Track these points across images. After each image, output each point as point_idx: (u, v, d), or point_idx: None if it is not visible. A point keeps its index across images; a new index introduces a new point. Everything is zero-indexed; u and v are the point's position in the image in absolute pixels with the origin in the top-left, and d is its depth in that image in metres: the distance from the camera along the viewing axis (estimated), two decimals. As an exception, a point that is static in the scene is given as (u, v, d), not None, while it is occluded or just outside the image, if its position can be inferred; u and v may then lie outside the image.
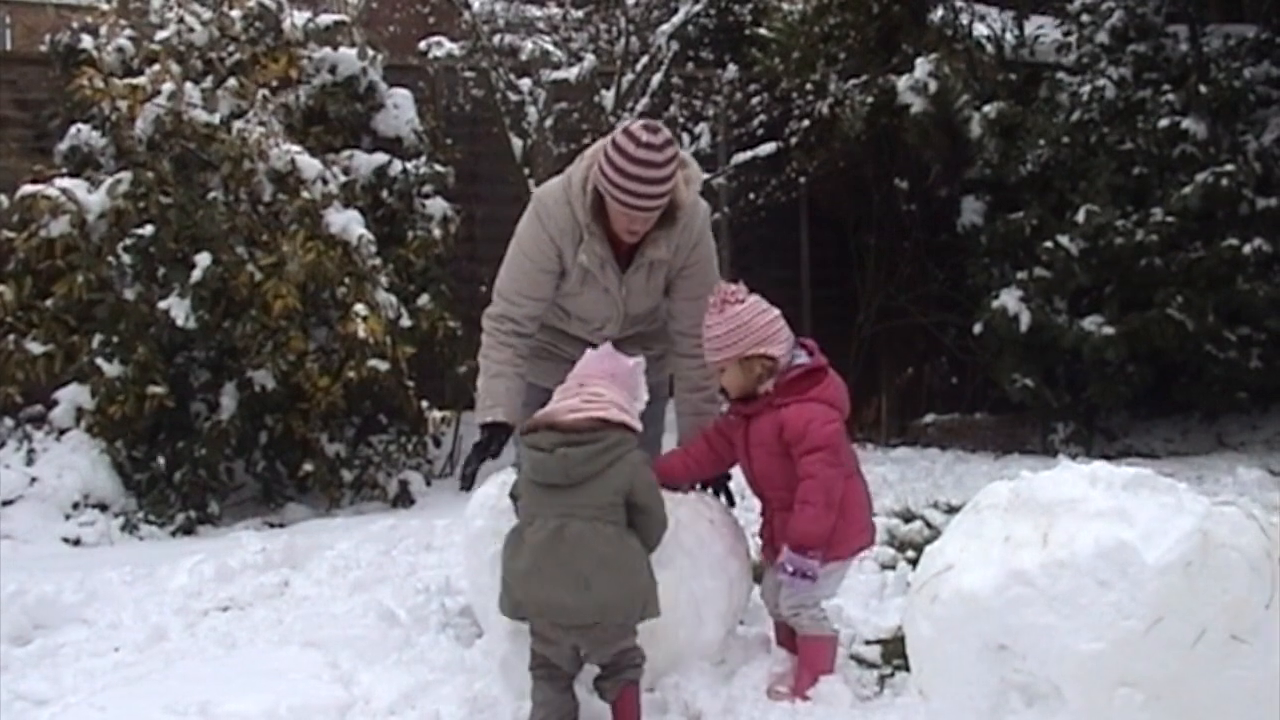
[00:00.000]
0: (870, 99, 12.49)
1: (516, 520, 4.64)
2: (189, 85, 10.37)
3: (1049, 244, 11.33)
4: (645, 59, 12.57)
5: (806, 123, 13.12)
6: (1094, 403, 11.91)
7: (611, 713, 4.44)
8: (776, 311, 5.05)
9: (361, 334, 9.76)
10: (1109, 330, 11.07)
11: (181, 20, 10.84)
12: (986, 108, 12.02)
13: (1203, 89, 11.28)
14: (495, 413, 5.42)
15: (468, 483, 5.44)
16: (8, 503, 9.36)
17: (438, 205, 11.41)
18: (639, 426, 4.65)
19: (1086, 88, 11.71)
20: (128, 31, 11.07)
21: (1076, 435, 11.83)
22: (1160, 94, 11.45)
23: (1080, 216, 11.18)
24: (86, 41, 10.98)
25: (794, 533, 4.75)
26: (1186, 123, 11.16)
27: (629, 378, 4.74)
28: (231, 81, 10.69)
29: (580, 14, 13.61)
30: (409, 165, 11.32)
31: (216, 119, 10.31)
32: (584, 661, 4.47)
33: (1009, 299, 11.48)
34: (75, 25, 11.41)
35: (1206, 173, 10.92)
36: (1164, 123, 11.22)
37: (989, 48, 13.00)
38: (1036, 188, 11.89)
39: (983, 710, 3.47)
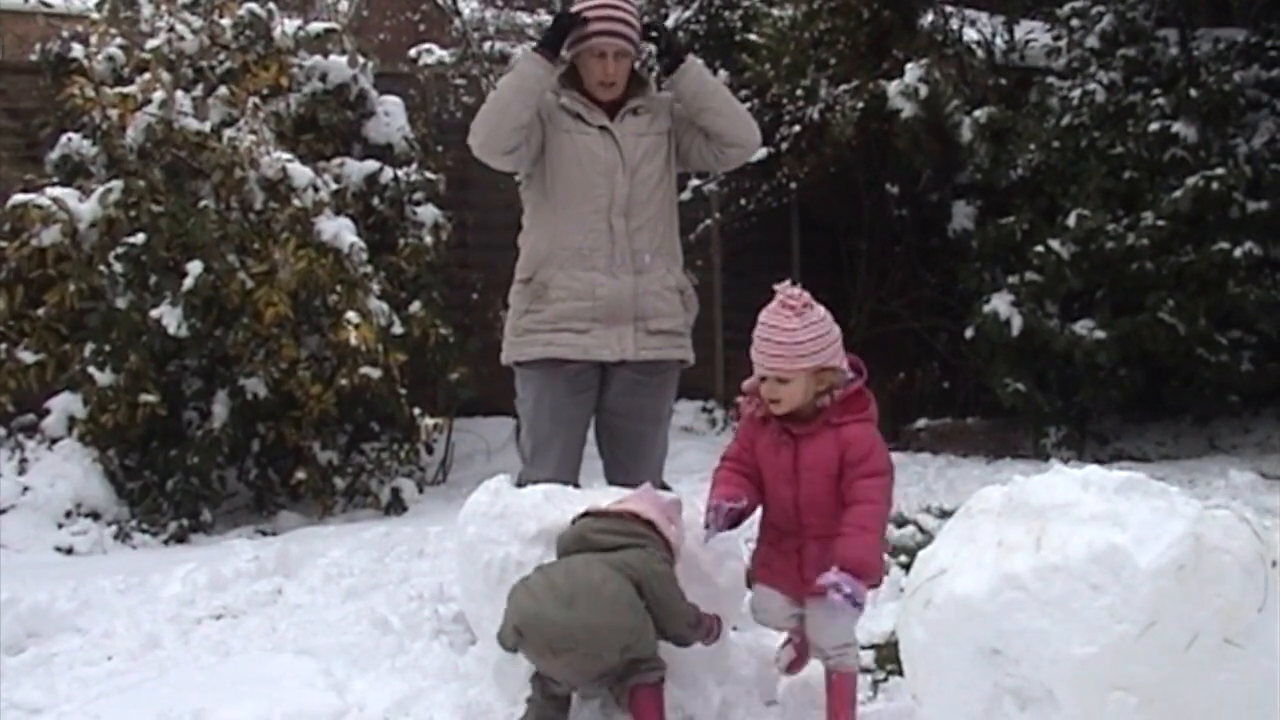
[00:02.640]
0: (861, 104, 12.51)
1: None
2: (180, 93, 10.38)
3: (1040, 248, 11.35)
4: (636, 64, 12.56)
5: (797, 128, 13.12)
6: (1086, 407, 11.93)
7: (631, 713, 4.42)
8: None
9: (353, 341, 9.76)
10: (1100, 334, 11.10)
11: (172, 29, 10.83)
12: (977, 112, 12.04)
13: (1193, 93, 11.31)
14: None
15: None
16: (0, 512, 9.35)
17: (429, 212, 11.41)
18: (673, 540, 4.63)
19: (1077, 92, 11.74)
20: (118, 40, 11.07)
21: (1068, 439, 11.83)
22: (1150, 98, 11.49)
23: (1071, 221, 11.21)
24: (77, 50, 10.99)
25: (853, 558, 4.29)
26: (1177, 126, 11.19)
27: (670, 507, 4.77)
28: (222, 89, 10.70)
29: (570, 21, 13.60)
30: (400, 173, 11.34)
31: (207, 127, 10.33)
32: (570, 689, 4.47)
33: (1000, 303, 11.49)
34: (66, 34, 11.40)
35: (1197, 176, 10.95)
36: (1154, 127, 11.26)
37: (979, 52, 13.05)
38: (1027, 192, 11.92)
39: (976, 714, 3.47)
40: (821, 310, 4.51)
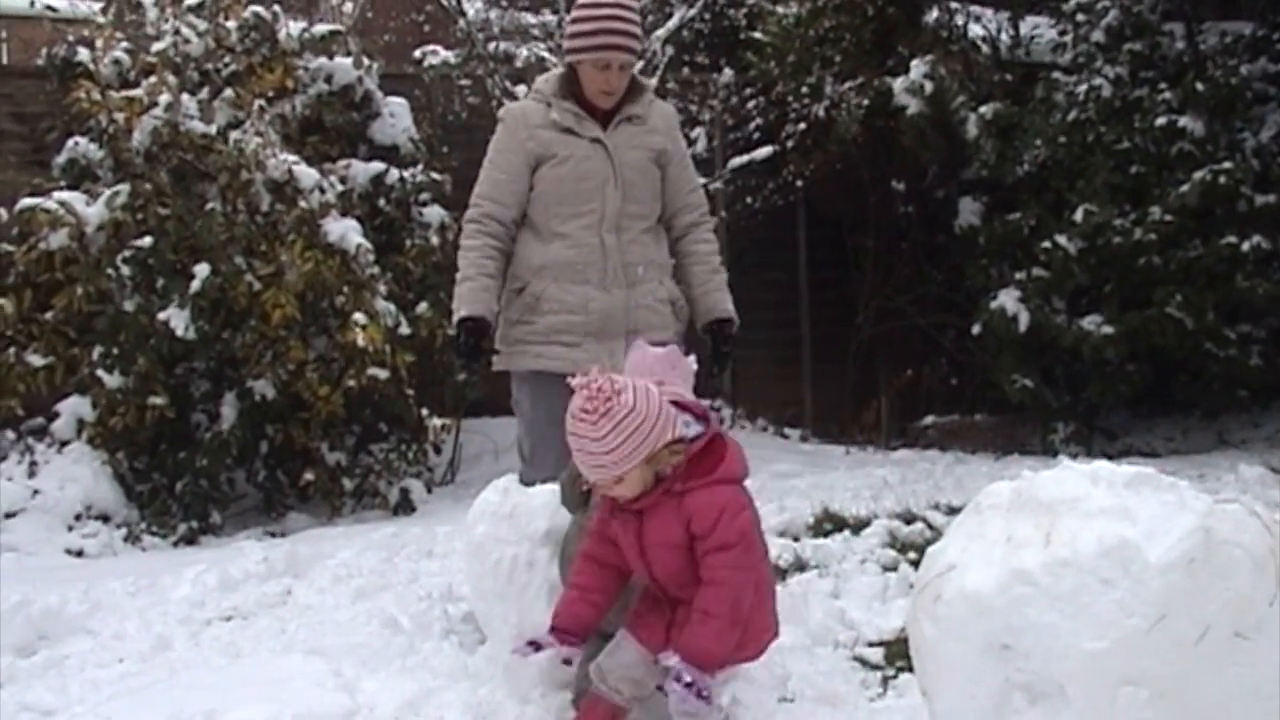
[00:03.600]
0: (866, 101, 12.52)
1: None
2: (185, 96, 10.39)
3: (1047, 244, 11.35)
4: (640, 64, 12.55)
5: (802, 126, 13.14)
6: (1094, 402, 11.92)
7: None
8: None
9: (361, 342, 9.77)
10: (1108, 329, 11.09)
11: (177, 32, 10.85)
12: (983, 108, 12.05)
13: (1200, 86, 11.29)
14: (460, 311, 5.58)
15: (470, 370, 5.66)
16: (10, 515, 9.37)
17: (435, 213, 11.41)
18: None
19: (1083, 87, 11.73)
20: (124, 44, 11.10)
21: (1077, 435, 11.83)
22: (1157, 92, 11.47)
23: (1078, 216, 11.20)
24: (83, 54, 11.00)
25: (693, 648, 3.97)
26: (1184, 120, 11.17)
27: (680, 361, 4.64)
28: (228, 92, 10.72)
29: (575, 20, 13.60)
30: (406, 173, 11.33)
31: (213, 130, 10.34)
32: None
33: (1007, 299, 11.49)
34: (71, 38, 11.44)
35: (1204, 170, 10.94)
36: (1161, 121, 11.24)
37: (984, 48, 13.05)
38: (1034, 188, 11.92)
39: (986, 710, 3.47)
40: (629, 396, 3.94)
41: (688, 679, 3.89)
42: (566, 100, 5.69)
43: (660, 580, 4.18)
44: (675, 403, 4.12)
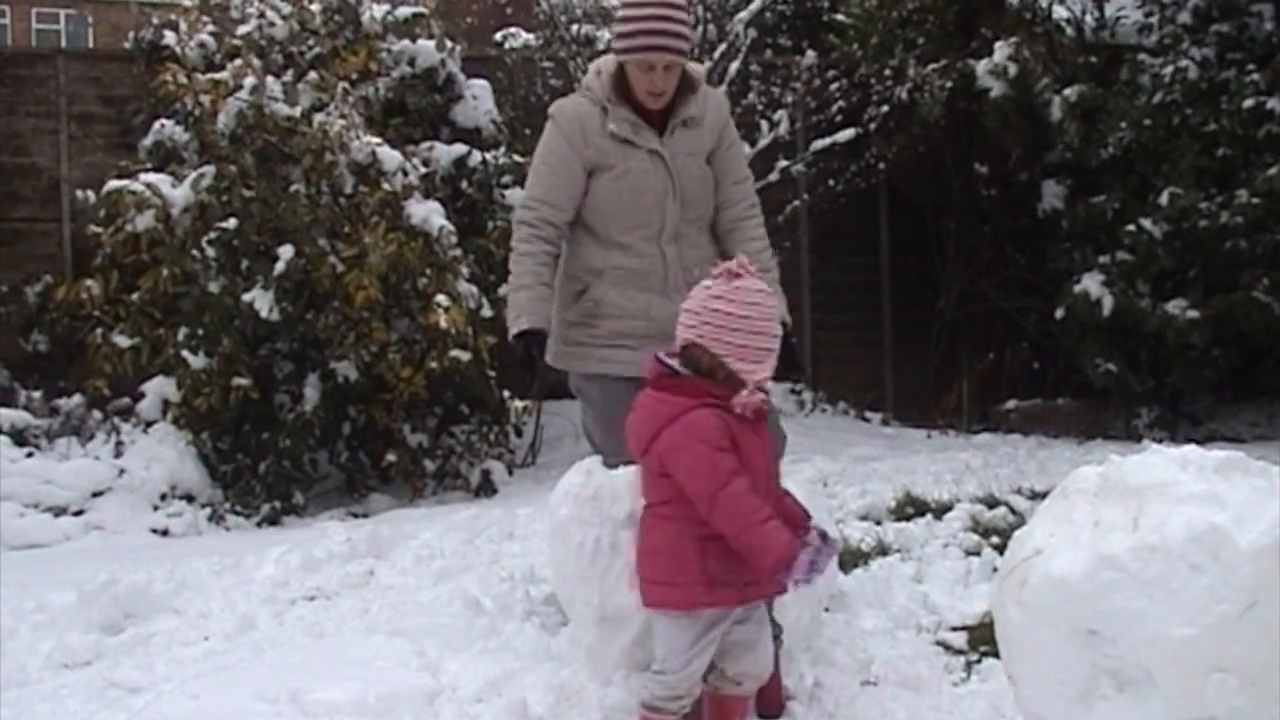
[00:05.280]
0: (949, 83, 12.44)
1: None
2: (270, 79, 10.46)
3: (1131, 227, 11.25)
4: (723, 47, 12.55)
5: (885, 108, 13.07)
6: (1178, 387, 11.82)
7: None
8: None
9: (443, 324, 9.80)
10: (1193, 314, 10.98)
11: (262, 15, 10.95)
12: (1067, 91, 11.95)
13: (1288, 69, 11.16)
14: (521, 322, 5.40)
15: (530, 390, 5.51)
16: (97, 494, 9.49)
17: (517, 195, 11.39)
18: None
19: (1168, 69, 11.61)
20: (209, 27, 11.21)
21: (1161, 420, 11.74)
22: (1244, 74, 11.34)
23: (1163, 199, 11.10)
24: (169, 38, 11.14)
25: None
26: (1272, 103, 11.03)
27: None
28: (312, 75, 10.78)
29: (657, 2, 13.57)
30: (488, 156, 11.37)
31: (297, 112, 10.39)
32: None
33: (1091, 283, 11.40)
34: (157, 22, 11.59)
35: (1292, 153, 10.82)
36: (1248, 103, 11.11)
37: (1069, 30, 12.93)
38: (1118, 171, 11.81)
39: (1073, 696, 3.45)
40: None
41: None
42: (621, 106, 5.45)
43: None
44: None
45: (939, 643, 5.25)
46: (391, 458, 10.25)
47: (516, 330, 5.41)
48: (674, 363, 4.14)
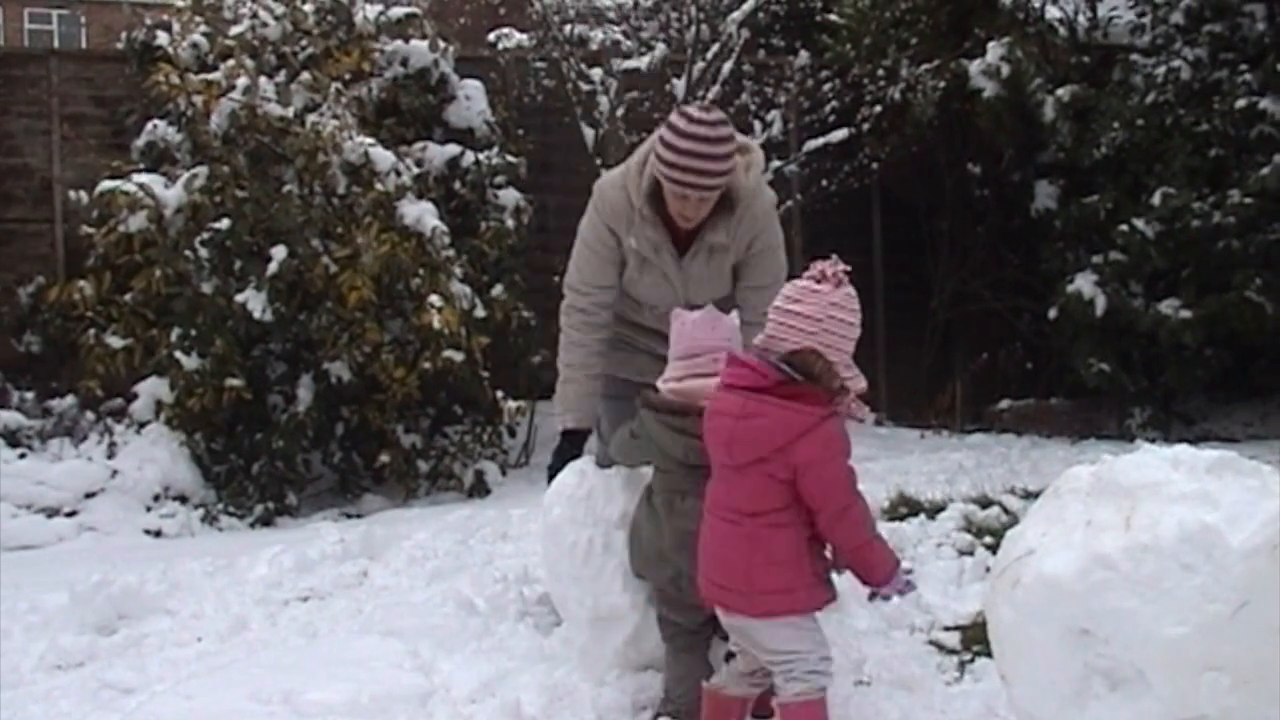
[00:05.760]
0: (942, 84, 12.46)
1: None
2: (263, 80, 10.48)
3: (1124, 227, 11.26)
4: (716, 47, 12.55)
5: (878, 108, 13.09)
6: (1171, 387, 11.82)
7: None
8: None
9: (436, 325, 9.81)
10: (1186, 314, 10.98)
11: (255, 15, 10.94)
12: (1060, 91, 11.97)
13: (1280, 68, 11.17)
14: (567, 420, 5.40)
15: (553, 474, 5.39)
16: (90, 495, 9.51)
17: (510, 196, 11.45)
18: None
19: (1161, 69, 11.64)
20: (202, 28, 11.21)
21: (1154, 420, 11.73)
22: (1237, 74, 11.36)
23: (1156, 199, 11.11)
24: (162, 38, 11.14)
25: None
26: (1264, 103, 11.04)
27: (738, 336, 4.64)
28: (305, 75, 10.79)
29: (650, 3, 13.58)
30: (481, 156, 11.37)
31: (290, 113, 10.41)
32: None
33: (1084, 283, 11.41)
34: (150, 22, 11.57)
35: (1285, 153, 10.83)
36: (1241, 103, 11.12)
37: (1062, 30, 12.96)
38: (1111, 171, 11.82)
39: (1066, 695, 3.45)
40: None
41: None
42: (650, 219, 5.26)
43: None
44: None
45: (932, 642, 5.25)
46: (385, 458, 10.26)
47: (563, 427, 5.40)
48: (786, 368, 4.05)
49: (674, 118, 5.03)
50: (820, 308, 4.08)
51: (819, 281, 4.14)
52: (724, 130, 4.95)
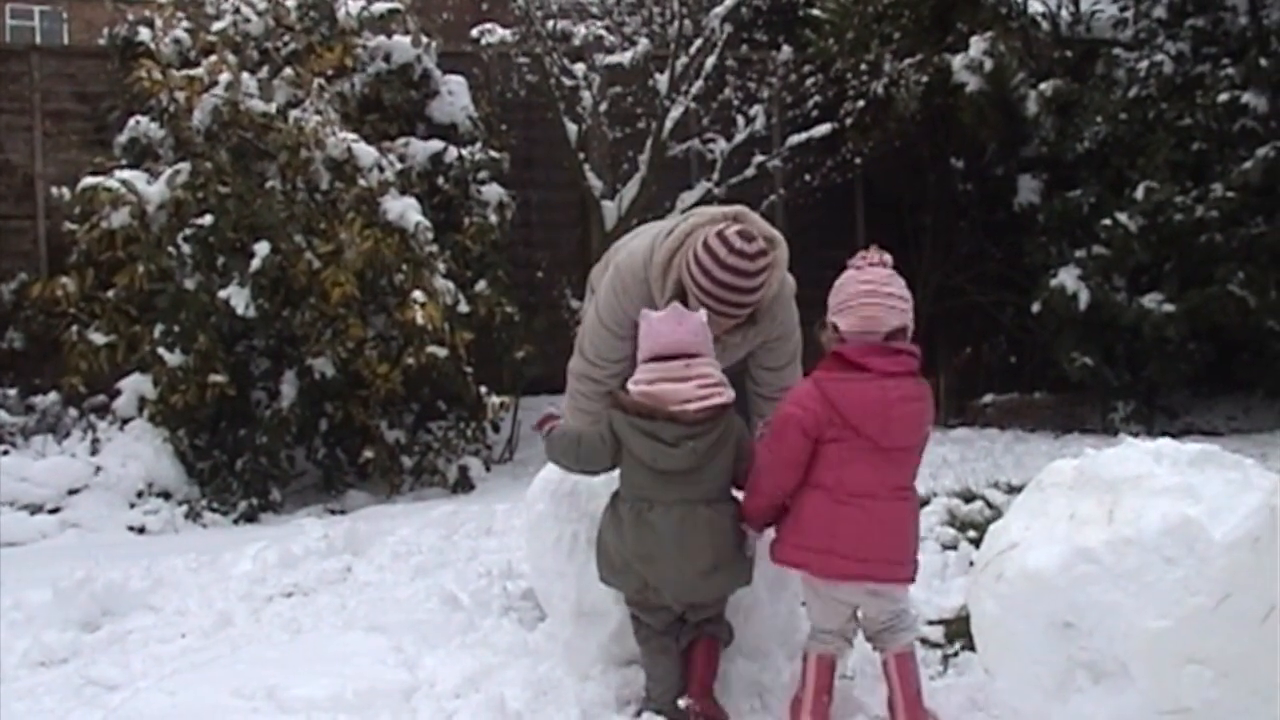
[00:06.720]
0: (925, 78, 12.47)
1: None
2: (245, 75, 10.46)
3: (1107, 221, 11.27)
4: (699, 42, 12.55)
5: (861, 103, 13.09)
6: (1154, 381, 11.84)
7: (688, 658, 4.46)
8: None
9: (420, 320, 9.80)
10: (1169, 308, 11.01)
11: (237, 11, 10.92)
12: (1042, 85, 11.99)
13: (1263, 62, 11.17)
14: None
15: None
16: (74, 491, 9.48)
17: (493, 191, 11.44)
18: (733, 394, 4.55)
19: (1144, 63, 11.65)
20: (184, 23, 11.19)
21: (1137, 413, 11.75)
22: (1219, 68, 11.37)
23: (1139, 193, 11.13)
24: (144, 34, 11.11)
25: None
26: (1247, 97, 11.06)
27: (706, 332, 4.61)
28: (287, 71, 10.77)
29: (632, -2, 13.60)
30: (464, 152, 11.37)
31: (273, 108, 10.39)
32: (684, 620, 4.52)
33: (1067, 277, 11.43)
34: (132, 18, 11.54)
35: (1267, 147, 10.84)
36: (1224, 97, 11.13)
37: (1044, 25, 12.95)
38: (1094, 165, 11.84)
39: (1049, 688, 3.46)
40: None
41: None
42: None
43: None
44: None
45: (916, 636, 5.26)
46: (369, 454, 10.26)
47: None
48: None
49: (714, 241, 4.86)
50: (903, 288, 4.74)
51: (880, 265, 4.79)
52: (763, 263, 4.88)
